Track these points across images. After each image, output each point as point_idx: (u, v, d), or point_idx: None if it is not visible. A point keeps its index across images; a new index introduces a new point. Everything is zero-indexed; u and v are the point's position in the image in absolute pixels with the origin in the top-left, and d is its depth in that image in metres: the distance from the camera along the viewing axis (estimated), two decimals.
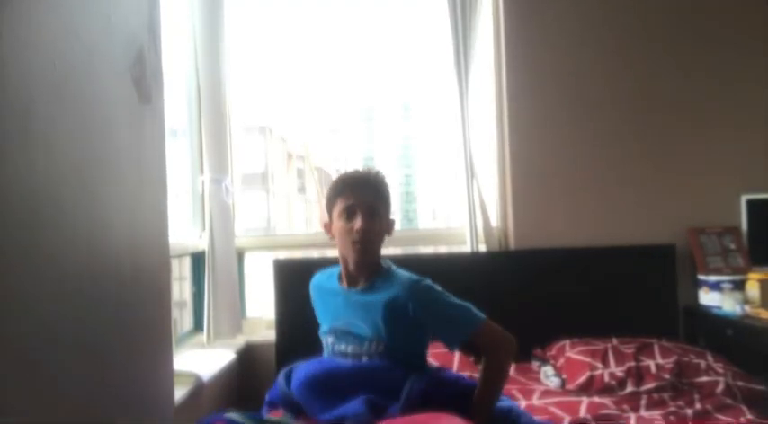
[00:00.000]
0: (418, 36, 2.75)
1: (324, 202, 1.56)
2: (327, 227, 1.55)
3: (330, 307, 1.55)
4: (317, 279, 1.65)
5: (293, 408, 1.42)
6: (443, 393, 1.36)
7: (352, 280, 1.51)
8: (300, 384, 1.40)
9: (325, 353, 1.54)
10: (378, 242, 1.49)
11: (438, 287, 1.46)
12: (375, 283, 1.49)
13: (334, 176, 1.56)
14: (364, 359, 1.42)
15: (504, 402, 1.46)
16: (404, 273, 1.51)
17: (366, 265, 1.49)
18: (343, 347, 1.47)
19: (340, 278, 1.55)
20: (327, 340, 1.52)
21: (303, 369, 1.45)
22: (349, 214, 1.45)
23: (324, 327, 1.55)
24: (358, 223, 1.42)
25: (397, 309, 1.41)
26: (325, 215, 1.55)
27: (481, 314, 1.42)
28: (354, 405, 1.28)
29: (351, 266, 1.49)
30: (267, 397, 1.53)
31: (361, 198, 1.45)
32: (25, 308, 0.80)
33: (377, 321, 1.42)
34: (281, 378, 1.49)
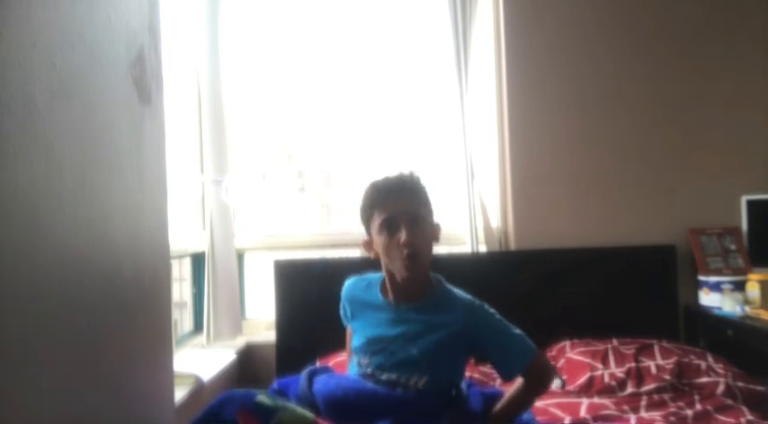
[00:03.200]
0: (418, 36, 2.74)
1: (360, 215, 1.40)
2: (367, 245, 1.39)
3: (371, 322, 1.38)
4: (353, 289, 1.48)
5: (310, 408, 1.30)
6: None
7: (399, 295, 1.36)
8: (325, 397, 1.28)
9: (353, 371, 1.38)
10: (428, 253, 1.34)
11: (493, 311, 1.36)
12: (429, 301, 1.36)
13: (366, 185, 1.38)
14: (399, 391, 1.28)
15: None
16: (459, 293, 1.39)
17: (419, 281, 1.35)
18: (378, 373, 1.32)
19: (383, 290, 1.40)
20: (360, 361, 1.36)
21: (331, 383, 1.32)
22: (390, 227, 1.30)
23: (357, 342, 1.39)
24: (403, 236, 1.27)
25: (454, 335, 1.31)
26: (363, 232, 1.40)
27: (532, 343, 1.34)
28: None
29: (401, 282, 1.34)
30: (275, 385, 1.44)
31: (402, 207, 1.29)
32: (24, 309, 0.79)
33: (429, 347, 1.29)
34: (303, 379, 1.37)
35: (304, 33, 2.81)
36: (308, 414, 1.17)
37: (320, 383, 1.33)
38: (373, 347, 1.35)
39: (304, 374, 1.40)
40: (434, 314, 1.34)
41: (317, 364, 1.53)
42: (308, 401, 1.31)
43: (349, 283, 1.51)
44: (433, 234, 1.37)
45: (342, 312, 1.55)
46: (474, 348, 1.37)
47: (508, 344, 1.32)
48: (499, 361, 1.34)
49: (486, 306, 1.36)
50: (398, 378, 1.30)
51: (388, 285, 1.39)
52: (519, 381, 1.34)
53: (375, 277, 1.45)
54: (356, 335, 1.43)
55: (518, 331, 1.34)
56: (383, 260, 1.36)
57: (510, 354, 1.32)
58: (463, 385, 1.40)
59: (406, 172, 1.36)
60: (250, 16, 2.75)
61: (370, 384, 1.31)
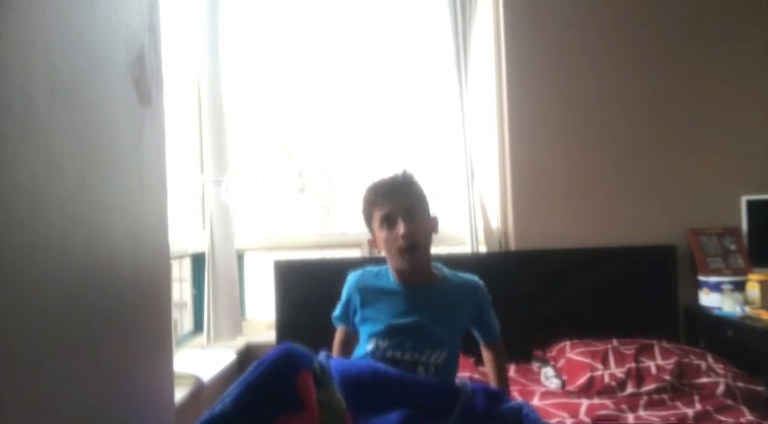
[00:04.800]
0: (418, 36, 2.74)
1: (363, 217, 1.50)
2: (372, 243, 1.50)
3: (388, 305, 1.45)
4: (362, 278, 1.54)
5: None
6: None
7: (410, 281, 1.46)
8: (342, 377, 1.30)
9: (369, 358, 1.42)
10: (427, 243, 1.43)
11: None
12: (440, 282, 1.47)
13: (364, 187, 1.49)
14: (420, 370, 1.37)
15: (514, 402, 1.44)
16: (463, 274, 1.53)
17: (422, 270, 1.45)
18: (398, 353, 1.38)
19: (395, 278, 1.48)
20: (378, 344, 1.41)
21: (348, 364, 1.36)
22: (389, 222, 1.40)
23: (374, 328, 1.44)
24: (401, 228, 1.37)
25: (468, 314, 1.48)
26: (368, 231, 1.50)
27: None
28: (391, 420, 1.20)
29: (406, 275, 1.44)
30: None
31: (398, 203, 1.40)
32: (25, 308, 0.79)
33: (449, 324, 1.42)
34: (323, 357, 1.39)
35: (304, 33, 2.81)
36: (343, 403, 1.19)
37: (334, 366, 1.35)
38: (394, 328, 1.40)
39: (323, 354, 1.42)
40: (450, 294, 1.46)
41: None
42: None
43: (355, 275, 1.56)
44: (430, 226, 1.46)
45: (340, 310, 1.57)
46: (472, 321, 1.53)
47: (493, 318, 1.55)
48: (486, 329, 1.55)
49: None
50: (419, 356, 1.38)
51: (394, 276, 1.48)
52: (491, 363, 1.57)
53: (383, 267, 1.52)
54: (370, 323, 1.46)
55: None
56: (387, 257, 1.45)
57: (493, 326, 1.55)
58: (467, 381, 1.46)
59: (399, 171, 1.47)
60: (250, 16, 2.75)
61: (382, 365, 1.35)
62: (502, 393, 1.44)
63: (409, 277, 1.45)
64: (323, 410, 1.11)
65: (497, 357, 1.58)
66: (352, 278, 1.56)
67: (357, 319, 1.51)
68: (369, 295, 1.50)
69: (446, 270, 1.53)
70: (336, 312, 1.59)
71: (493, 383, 1.57)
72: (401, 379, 1.30)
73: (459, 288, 1.49)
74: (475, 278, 1.53)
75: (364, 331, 1.48)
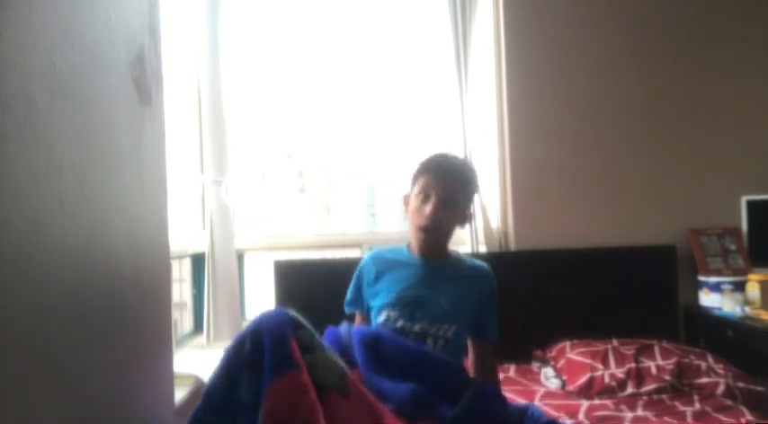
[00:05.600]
0: (418, 36, 2.75)
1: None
2: (406, 201, 1.53)
3: (402, 276, 1.48)
4: (378, 253, 1.58)
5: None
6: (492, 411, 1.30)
7: (422, 252, 1.48)
8: (361, 337, 1.31)
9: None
10: (446, 234, 1.47)
11: None
12: (455, 259, 1.50)
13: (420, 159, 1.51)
14: (429, 341, 1.39)
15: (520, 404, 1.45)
16: (473, 259, 1.55)
17: (431, 250, 1.48)
18: (408, 324, 1.40)
19: (410, 251, 1.52)
20: (389, 315, 1.43)
21: (369, 328, 1.40)
22: (425, 195, 1.42)
23: (386, 299, 1.46)
24: (429, 208, 1.40)
25: (478, 293, 1.47)
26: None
27: None
28: (403, 390, 1.20)
29: (416, 249, 1.49)
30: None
31: (441, 184, 1.41)
32: (24, 309, 0.79)
33: (459, 298, 1.43)
34: (345, 327, 1.41)
35: (304, 33, 2.81)
36: (341, 362, 1.16)
37: (355, 328, 1.39)
38: (405, 299, 1.43)
39: (345, 325, 1.43)
40: (463, 270, 1.50)
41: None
42: (345, 351, 1.32)
43: (371, 252, 1.61)
44: (459, 219, 1.48)
45: (351, 292, 1.57)
46: (473, 308, 1.49)
47: (493, 314, 1.52)
48: (481, 322, 1.50)
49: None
50: (429, 328, 1.40)
51: (413, 245, 1.51)
52: (479, 366, 1.50)
53: (401, 247, 1.56)
54: (383, 294, 1.48)
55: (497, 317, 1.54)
56: (409, 221, 1.49)
57: (490, 322, 1.51)
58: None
59: (464, 158, 1.52)
60: (250, 16, 2.75)
61: (400, 336, 1.36)
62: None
63: (424, 250, 1.47)
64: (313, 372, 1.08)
65: (487, 360, 1.51)
66: (368, 254, 1.61)
67: (369, 294, 1.52)
68: (383, 265, 1.53)
69: (460, 254, 1.56)
70: (348, 295, 1.60)
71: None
72: (416, 351, 1.31)
73: (470, 271, 1.51)
74: (485, 265, 1.54)
75: (376, 305, 1.49)
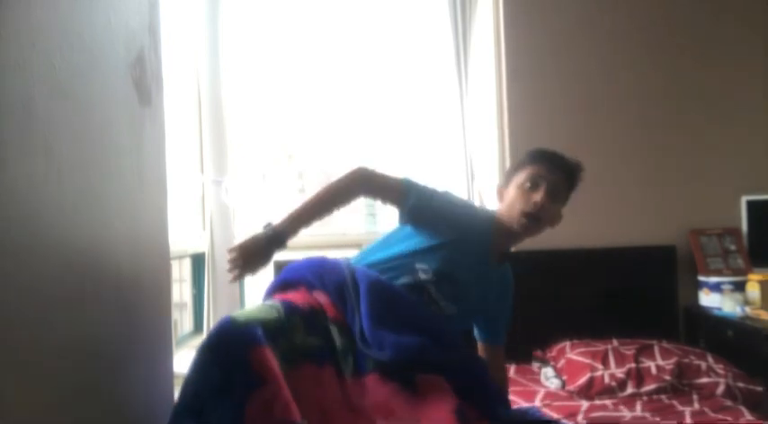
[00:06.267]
0: (418, 36, 2.75)
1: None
2: (500, 192, 1.50)
3: (465, 253, 1.39)
4: (462, 200, 1.58)
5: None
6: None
7: (496, 247, 1.46)
8: (369, 283, 1.27)
9: (404, 279, 1.34)
10: (543, 227, 1.44)
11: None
12: (503, 267, 1.53)
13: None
14: (434, 309, 1.37)
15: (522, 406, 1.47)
16: (509, 271, 1.57)
17: (516, 243, 1.51)
18: (431, 288, 1.35)
19: (492, 236, 1.45)
20: (420, 273, 1.34)
21: (380, 278, 1.31)
22: (534, 184, 1.39)
23: (432, 260, 1.35)
24: (539, 196, 1.37)
25: (503, 300, 1.52)
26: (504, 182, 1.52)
27: None
28: (408, 341, 1.19)
29: (505, 236, 1.45)
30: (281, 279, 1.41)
31: (553, 176, 1.39)
32: (24, 309, 0.79)
33: (489, 301, 1.48)
34: (343, 261, 1.38)
35: (304, 33, 2.81)
36: (274, 305, 1.15)
37: (362, 271, 1.32)
38: (444, 274, 1.35)
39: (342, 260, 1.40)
40: (501, 281, 1.53)
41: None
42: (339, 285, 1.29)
43: (469, 209, 1.56)
44: (555, 217, 1.45)
45: (436, 202, 1.43)
46: (496, 312, 1.53)
47: (506, 313, 1.56)
48: (500, 325, 1.54)
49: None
50: (441, 301, 1.37)
51: (494, 232, 1.44)
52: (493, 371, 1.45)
53: (485, 216, 1.49)
54: (442, 256, 1.37)
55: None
56: (505, 210, 1.43)
57: (502, 325, 1.55)
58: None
59: (575, 159, 1.47)
60: (250, 16, 2.75)
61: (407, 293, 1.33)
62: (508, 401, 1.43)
63: (504, 240, 1.46)
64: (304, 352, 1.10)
65: (502, 366, 1.55)
66: (470, 209, 1.58)
67: (430, 230, 1.39)
68: (455, 223, 1.40)
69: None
70: (422, 192, 1.42)
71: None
72: (425, 312, 1.32)
73: (508, 285, 1.55)
74: (510, 271, 1.57)
75: (415, 239, 1.39)
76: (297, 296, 1.25)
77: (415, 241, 1.39)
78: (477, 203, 2.56)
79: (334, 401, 1.09)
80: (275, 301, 1.20)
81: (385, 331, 1.20)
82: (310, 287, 1.32)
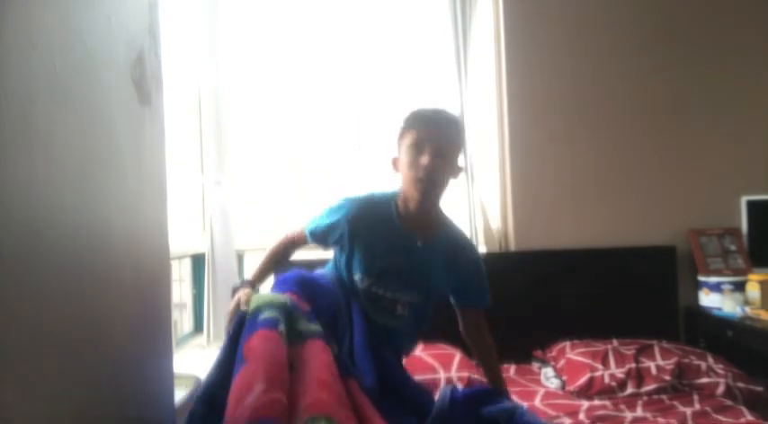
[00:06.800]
0: (418, 35, 2.75)
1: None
2: (395, 163, 1.49)
3: (383, 246, 1.45)
4: (360, 211, 1.49)
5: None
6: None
7: (414, 226, 1.46)
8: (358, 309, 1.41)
9: (357, 286, 1.47)
10: (441, 185, 1.44)
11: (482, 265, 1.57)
12: (442, 240, 1.49)
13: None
14: (399, 308, 1.45)
15: (507, 403, 1.43)
16: (468, 243, 1.56)
17: (427, 209, 1.46)
18: (381, 290, 1.45)
19: (399, 217, 1.47)
20: (364, 279, 1.46)
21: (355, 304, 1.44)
22: (418, 149, 1.40)
23: (367, 265, 1.45)
24: (425, 159, 1.37)
25: (456, 285, 1.52)
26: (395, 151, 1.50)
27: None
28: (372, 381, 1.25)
29: (413, 209, 1.45)
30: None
31: (433, 136, 1.39)
32: (24, 309, 0.79)
33: (438, 276, 1.48)
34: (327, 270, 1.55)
35: (304, 33, 2.81)
36: (280, 296, 1.22)
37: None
38: (384, 270, 1.45)
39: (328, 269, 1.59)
40: (447, 247, 1.49)
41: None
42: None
43: (352, 205, 1.51)
44: (453, 171, 1.46)
45: (323, 229, 1.54)
46: (453, 282, 1.54)
47: (482, 284, 1.56)
48: (472, 294, 1.56)
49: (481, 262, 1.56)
50: (400, 296, 1.46)
51: (401, 210, 1.47)
52: (474, 338, 1.59)
53: (383, 201, 1.50)
54: (362, 257, 1.46)
55: (487, 285, 1.56)
56: (402, 180, 1.46)
57: (482, 293, 1.56)
58: (449, 389, 1.45)
59: (448, 110, 1.49)
60: (250, 17, 2.75)
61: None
62: (491, 393, 1.45)
63: (415, 213, 1.45)
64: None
65: (480, 326, 1.57)
66: (349, 206, 1.51)
67: (341, 244, 1.51)
68: (364, 230, 1.47)
69: (454, 228, 1.54)
70: (313, 226, 1.56)
71: (483, 367, 1.64)
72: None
73: (452, 247, 1.51)
74: (466, 238, 1.58)
75: (353, 262, 1.49)
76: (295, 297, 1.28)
77: (343, 259, 1.51)
78: (477, 203, 2.56)
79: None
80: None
81: (370, 360, 1.29)
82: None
